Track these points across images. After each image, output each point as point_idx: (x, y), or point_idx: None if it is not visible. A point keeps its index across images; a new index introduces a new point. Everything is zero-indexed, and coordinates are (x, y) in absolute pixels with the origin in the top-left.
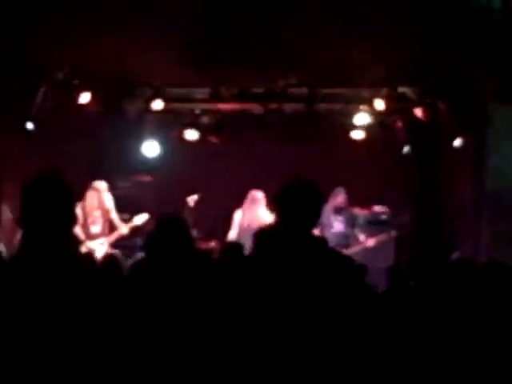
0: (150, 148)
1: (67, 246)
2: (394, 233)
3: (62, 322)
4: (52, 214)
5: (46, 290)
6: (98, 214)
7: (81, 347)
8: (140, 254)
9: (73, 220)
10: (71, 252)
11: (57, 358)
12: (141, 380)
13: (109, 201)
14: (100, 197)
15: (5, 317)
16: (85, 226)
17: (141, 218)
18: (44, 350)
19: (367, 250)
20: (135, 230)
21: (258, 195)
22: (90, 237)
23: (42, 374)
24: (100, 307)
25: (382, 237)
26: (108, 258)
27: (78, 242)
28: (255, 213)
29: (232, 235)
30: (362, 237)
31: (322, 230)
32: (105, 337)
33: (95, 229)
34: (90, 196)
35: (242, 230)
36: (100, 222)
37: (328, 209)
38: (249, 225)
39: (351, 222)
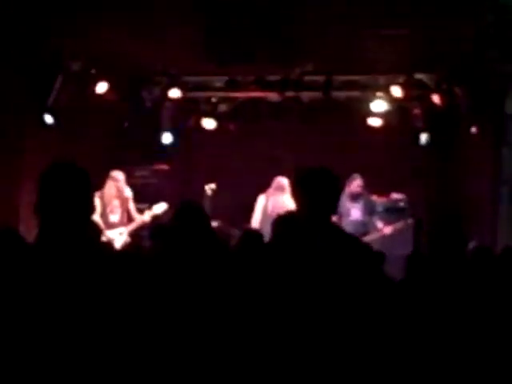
0: (168, 137)
1: (86, 233)
2: (411, 220)
3: (79, 309)
4: (70, 201)
5: (65, 277)
6: (116, 203)
7: (100, 336)
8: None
9: (91, 207)
10: (91, 240)
11: (74, 347)
12: (162, 366)
13: (127, 190)
14: (118, 186)
15: (20, 305)
16: (103, 215)
17: (160, 207)
18: (59, 341)
19: (385, 237)
20: (154, 219)
21: (284, 182)
22: (109, 226)
23: (61, 358)
24: (119, 294)
25: (400, 224)
26: (129, 246)
27: (99, 231)
28: (280, 200)
29: (255, 220)
30: (379, 224)
31: (339, 218)
32: (123, 325)
33: (114, 218)
34: (109, 185)
35: (265, 217)
36: (119, 211)
37: (344, 196)
38: (273, 211)
39: (369, 210)
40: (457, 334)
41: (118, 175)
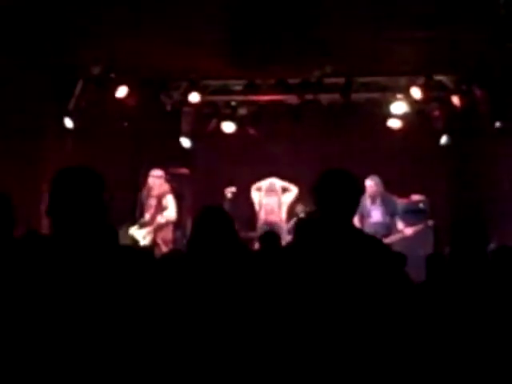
0: (187, 140)
1: (99, 235)
2: (431, 222)
3: (87, 309)
4: (79, 203)
5: (73, 277)
6: (153, 202)
7: (110, 336)
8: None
9: (102, 210)
10: (105, 242)
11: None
12: (184, 365)
13: (163, 189)
14: (157, 183)
15: (30, 304)
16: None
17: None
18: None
19: (405, 239)
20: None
21: (275, 183)
22: (141, 225)
23: (71, 356)
24: (135, 296)
25: (420, 226)
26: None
27: (115, 234)
28: (271, 202)
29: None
30: (400, 226)
31: (362, 220)
32: (138, 325)
33: (146, 216)
34: (151, 183)
35: (260, 221)
36: (151, 211)
37: (364, 198)
38: (266, 217)
39: (390, 211)
40: (478, 334)
41: (158, 172)
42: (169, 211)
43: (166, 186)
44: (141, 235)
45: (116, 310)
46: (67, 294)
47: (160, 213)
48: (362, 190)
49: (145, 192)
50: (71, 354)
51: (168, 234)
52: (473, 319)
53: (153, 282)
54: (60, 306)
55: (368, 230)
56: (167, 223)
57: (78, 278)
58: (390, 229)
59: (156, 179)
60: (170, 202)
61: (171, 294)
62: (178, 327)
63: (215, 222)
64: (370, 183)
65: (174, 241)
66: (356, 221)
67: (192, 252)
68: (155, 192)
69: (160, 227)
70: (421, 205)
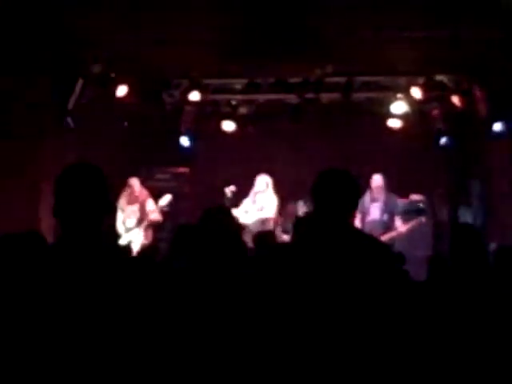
0: (187, 139)
1: (102, 233)
2: (424, 218)
3: (93, 310)
4: (84, 201)
5: (80, 277)
6: (133, 208)
7: (111, 337)
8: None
9: (107, 206)
10: (107, 241)
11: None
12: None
13: (143, 193)
14: (132, 192)
15: (34, 305)
16: (124, 222)
17: (164, 200)
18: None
19: (401, 236)
20: (163, 213)
21: (266, 180)
22: (127, 230)
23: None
24: (136, 296)
25: (413, 223)
26: (146, 248)
27: (115, 235)
28: (263, 198)
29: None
30: (398, 224)
31: (362, 218)
32: (138, 326)
33: (130, 222)
34: (123, 193)
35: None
36: (136, 215)
37: (367, 196)
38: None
39: (389, 209)
40: (481, 335)
41: (130, 181)
42: (153, 214)
43: (144, 192)
44: (132, 236)
45: (121, 314)
46: (76, 298)
47: (145, 217)
48: (360, 189)
49: (125, 198)
50: (74, 357)
51: (150, 233)
52: (473, 320)
53: (157, 283)
54: (67, 310)
55: (366, 227)
56: (152, 224)
57: (88, 281)
58: (387, 227)
59: (131, 188)
60: (151, 206)
61: (175, 296)
62: (181, 329)
63: (220, 221)
64: (373, 181)
65: (155, 239)
66: (357, 219)
67: (197, 251)
68: (139, 199)
69: (147, 228)
70: (420, 204)
